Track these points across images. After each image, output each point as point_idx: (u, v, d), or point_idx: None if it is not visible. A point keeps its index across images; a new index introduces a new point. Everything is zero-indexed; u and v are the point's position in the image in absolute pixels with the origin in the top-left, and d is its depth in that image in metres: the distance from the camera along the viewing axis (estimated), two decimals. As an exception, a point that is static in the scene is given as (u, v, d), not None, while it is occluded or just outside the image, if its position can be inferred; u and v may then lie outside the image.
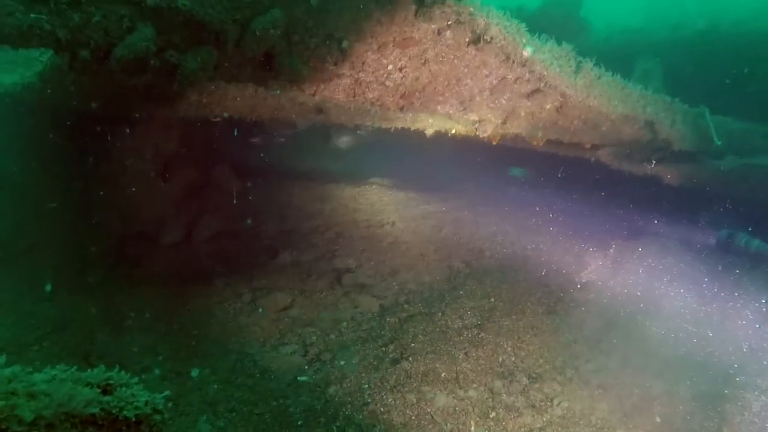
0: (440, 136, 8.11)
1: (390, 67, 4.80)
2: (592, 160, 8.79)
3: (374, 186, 11.98)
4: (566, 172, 9.76)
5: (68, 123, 7.25)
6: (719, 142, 7.46)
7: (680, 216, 9.19)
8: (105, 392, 2.07)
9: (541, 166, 10.37)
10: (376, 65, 4.76)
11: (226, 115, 5.67)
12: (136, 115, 7.00)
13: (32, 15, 3.42)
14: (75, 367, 2.07)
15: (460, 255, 9.07)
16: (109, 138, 7.48)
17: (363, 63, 4.71)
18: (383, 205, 11.12)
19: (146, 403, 2.08)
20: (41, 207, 8.58)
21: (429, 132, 7.70)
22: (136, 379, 2.16)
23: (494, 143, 8.70)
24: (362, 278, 8.22)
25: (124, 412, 2.02)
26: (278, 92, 5.37)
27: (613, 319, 6.84)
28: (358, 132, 11.09)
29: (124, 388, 2.11)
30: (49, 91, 5.42)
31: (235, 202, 10.01)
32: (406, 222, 10.27)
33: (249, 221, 9.80)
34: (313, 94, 4.88)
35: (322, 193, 11.28)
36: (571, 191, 10.58)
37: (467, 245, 9.46)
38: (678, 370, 5.80)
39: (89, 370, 2.12)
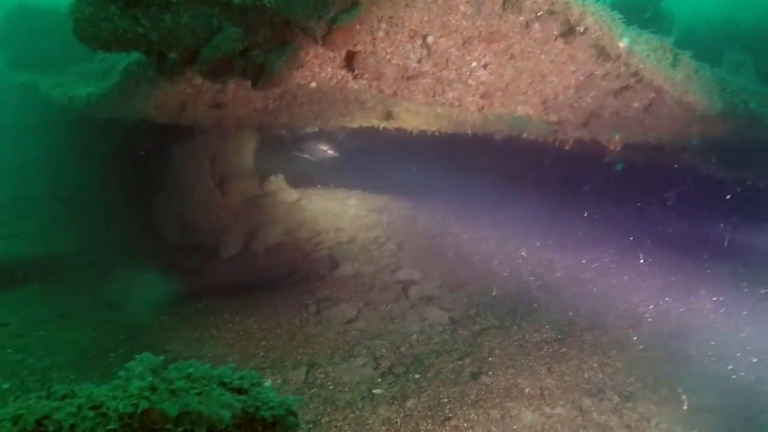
0: (510, 140, 8.08)
1: (474, 63, 4.80)
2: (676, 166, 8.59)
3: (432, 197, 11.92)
4: (647, 179, 9.52)
5: (132, 134, 7.50)
6: None
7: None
8: (239, 392, 2.12)
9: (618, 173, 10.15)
10: (459, 62, 4.76)
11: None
12: (202, 125, 7.20)
13: (127, 19, 3.55)
14: (207, 365, 2.13)
15: (528, 267, 8.96)
16: (172, 149, 7.72)
17: (446, 60, 4.73)
18: (443, 216, 11.05)
19: (281, 404, 2.12)
20: (106, 219, 8.90)
21: (499, 137, 7.68)
22: (267, 381, 2.20)
23: (566, 147, 8.64)
24: (428, 290, 8.20)
25: (261, 413, 2.05)
26: (352, 97, 5.45)
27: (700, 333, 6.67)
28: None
29: (258, 388, 2.15)
30: (120, 102, 5.63)
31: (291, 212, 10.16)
32: (469, 233, 10.20)
33: (306, 232, 9.90)
34: (394, 94, 4.92)
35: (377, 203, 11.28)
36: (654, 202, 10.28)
37: (535, 257, 9.34)
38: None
39: (219, 368, 2.16)
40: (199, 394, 1.99)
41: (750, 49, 8.78)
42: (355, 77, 4.67)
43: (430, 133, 6.84)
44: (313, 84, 4.74)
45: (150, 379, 1.99)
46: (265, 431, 2.08)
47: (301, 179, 10.93)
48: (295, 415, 2.15)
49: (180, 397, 1.93)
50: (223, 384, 2.09)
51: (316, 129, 9.83)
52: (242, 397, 2.08)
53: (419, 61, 4.64)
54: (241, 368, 2.21)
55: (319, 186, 11.20)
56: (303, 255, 9.33)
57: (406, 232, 10.11)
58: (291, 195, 10.41)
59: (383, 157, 11.09)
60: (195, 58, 3.88)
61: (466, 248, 9.57)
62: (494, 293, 7.99)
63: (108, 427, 1.80)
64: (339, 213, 10.55)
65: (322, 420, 5.15)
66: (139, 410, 1.84)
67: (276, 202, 9.95)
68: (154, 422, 1.84)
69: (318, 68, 4.59)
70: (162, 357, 2.16)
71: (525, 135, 7.65)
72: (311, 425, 5.11)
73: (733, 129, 6.78)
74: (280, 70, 4.05)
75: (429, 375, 5.92)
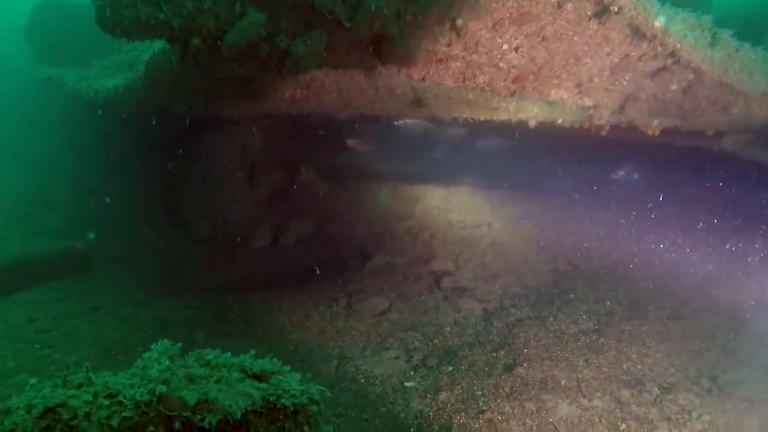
0: (544, 127, 7.91)
1: (505, 46, 4.68)
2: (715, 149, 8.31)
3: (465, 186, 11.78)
4: (685, 165, 9.24)
5: (160, 126, 7.52)
6: None
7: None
8: (260, 379, 2.07)
9: (655, 159, 9.87)
10: (490, 45, 4.65)
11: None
12: (230, 115, 7.19)
13: (149, 5, 3.52)
14: (228, 354, 2.08)
15: (565, 257, 8.78)
16: (200, 140, 7.72)
17: (476, 43, 4.62)
18: (476, 206, 10.91)
19: (302, 392, 2.06)
20: (133, 213, 8.97)
21: (532, 123, 7.52)
22: (288, 368, 2.14)
23: (603, 134, 8.43)
24: (462, 281, 8.10)
25: (282, 401, 2.00)
26: (380, 84, 5.37)
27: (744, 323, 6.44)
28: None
29: (279, 376, 2.10)
30: (147, 92, 5.62)
31: (321, 204, 10.13)
32: (504, 223, 10.05)
33: (339, 224, 9.88)
34: (423, 79, 4.82)
35: (411, 193, 11.19)
36: (686, 187, 10.02)
37: (572, 246, 9.15)
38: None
39: (241, 356, 2.12)
40: (218, 381, 1.94)
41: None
42: (383, 63, 4.59)
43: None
44: (341, 69, 4.67)
45: (167, 364, 1.94)
46: (287, 420, 2.02)
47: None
48: (317, 404, 2.09)
49: (199, 385, 1.88)
50: (243, 372, 2.04)
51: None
52: (263, 385, 2.03)
53: (448, 45, 4.54)
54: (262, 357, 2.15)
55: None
56: (334, 246, 9.32)
57: (437, 222, 10.02)
58: (322, 187, 10.38)
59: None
60: (219, 44, 3.84)
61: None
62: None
63: (123, 415, 1.76)
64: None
65: (352, 413, 5.10)
66: (156, 397, 1.80)
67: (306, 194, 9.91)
68: (171, 410, 1.80)
69: (345, 53, 4.52)
70: (179, 344, 2.12)
71: (559, 121, 7.49)
72: (342, 419, 5.06)
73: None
74: (306, 55, 3.99)
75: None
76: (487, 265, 8.52)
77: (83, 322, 6.59)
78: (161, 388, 1.81)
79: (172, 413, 1.77)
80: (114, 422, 1.74)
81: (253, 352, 2.17)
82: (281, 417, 2.02)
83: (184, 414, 1.79)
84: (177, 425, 1.77)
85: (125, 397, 1.81)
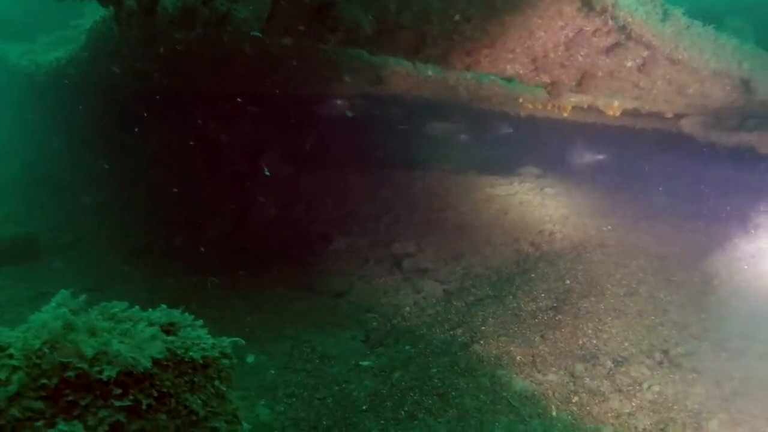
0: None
1: (457, 17, 4.60)
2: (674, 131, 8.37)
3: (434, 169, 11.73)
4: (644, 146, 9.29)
5: (108, 101, 7.25)
6: None
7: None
8: (168, 333, 1.99)
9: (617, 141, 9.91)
10: (441, 15, 4.57)
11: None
12: (184, 91, 7.03)
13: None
14: (137, 307, 2.00)
15: (528, 238, 8.78)
16: (152, 118, 7.46)
17: (427, 14, 4.54)
18: (439, 190, 10.85)
19: (213, 346, 1.99)
20: (84, 197, 8.75)
21: (494, 101, 7.50)
22: (201, 322, 2.07)
23: (565, 115, 8.45)
24: (423, 263, 8.07)
25: (191, 354, 1.92)
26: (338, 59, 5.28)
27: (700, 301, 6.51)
28: None
29: (188, 329, 2.02)
30: (90, 64, 5.42)
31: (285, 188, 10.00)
32: (470, 205, 10.03)
33: (302, 208, 9.77)
34: (372, 51, 4.75)
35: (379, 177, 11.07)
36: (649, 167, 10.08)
37: (536, 227, 9.16)
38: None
39: (149, 310, 2.04)
40: (122, 334, 1.86)
41: (752, 19, 8.50)
42: (331, 31, 4.48)
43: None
44: (287, 40, 4.56)
45: (64, 312, 1.85)
46: (196, 374, 1.95)
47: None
48: (230, 357, 2.03)
49: (100, 337, 1.80)
50: (151, 325, 1.96)
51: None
52: (170, 338, 1.95)
53: (398, 14, 4.45)
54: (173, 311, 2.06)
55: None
56: (297, 230, 9.22)
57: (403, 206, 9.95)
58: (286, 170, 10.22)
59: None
60: (155, 7, 3.71)
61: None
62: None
63: (11, 364, 1.67)
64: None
65: (305, 393, 5.04)
66: (49, 347, 1.71)
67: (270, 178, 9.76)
68: (67, 361, 1.72)
69: (290, 21, 4.40)
70: (84, 296, 2.03)
71: (521, 100, 7.49)
72: (294, 399, 5.00)
73: (729, 91, 6.58)
74: (248, 21, 3.89)
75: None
76: (450, 247, 8.49)
77: (29, 310, 6.40)
78: (55, 337, 1.73)
79: (68, 364, 1.69)
80: (2, 375, 1.66)
81: (164, 306, 2.09)
82: (190, 371, 1.95)
83: (80, 365, 1.71)
84: (70, 375, 1.68)
85: (16, 349, 1.72)
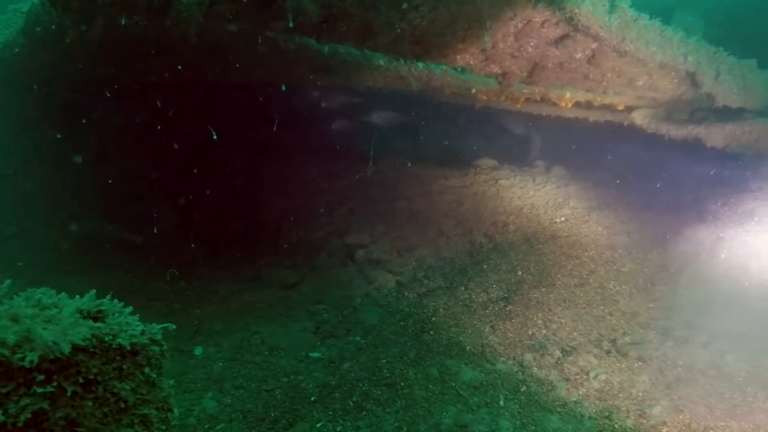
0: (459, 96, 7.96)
1: (405, 5, 4.63)
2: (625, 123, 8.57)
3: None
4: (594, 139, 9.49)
5: (49, 88, 7.07)
6: None
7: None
8: (96, 320, 1.97)
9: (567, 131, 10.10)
10: (389, 3, 4.59)
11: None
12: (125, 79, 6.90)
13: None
14: (63, 294, 1.98)
15: (482, 229, 8.89)
16: (95, 106, 7.32)
17: (374, 1, 4.55)
18: (395, 181, 10.90)
19: (142, 332, 1.98)
20: (26, 187, 8.54)
21: (447, 92, 7.56)
22: (130, 309, 2.06)
23: (518, 106, 8.57)
24: (377, 254, 8.10)
25: (119, 340, 1.92)
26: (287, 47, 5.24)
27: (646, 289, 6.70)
28: None
29: (117, 316, 2.01)
30: (26, 49, 5.28)
31: (234, 179, 9.92)
32: (423, 198, 10.09)
33: (251, 199, 9.70)
34: (317, 38, 4.74)
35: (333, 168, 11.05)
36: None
37: (490, 219, 9.28)
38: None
39: (77, 297, 2.02)
40: (47, 321, 1.85)
41: (703, 16, 8.75)
42: (276, 18, 4.46)
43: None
44: (233, 27, 4.53)
45: (-15, 302, 1.83)
46: (125, 361, 1.95)
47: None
48: (160, 344, 2.03)
49: (23, 323, 1.78)
50: (78, 312, 1.95)
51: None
52: (98, 324, 1.94)
53: (344, 0, 4.46)
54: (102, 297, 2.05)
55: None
56: (247, 222, 9.16)
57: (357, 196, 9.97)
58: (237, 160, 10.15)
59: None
60: (94, -9, 3.65)
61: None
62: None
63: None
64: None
65: (252, 385, 5.04)
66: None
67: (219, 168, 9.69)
68: (-15, 347, 1.69)
69: (235, 8, 4.37)
70: (8, 281, 2.00)
71: (473, 91, 7.55)
72: (241, 390, 4.99)
73: (677, 84, 6.78)
74: (190, 6, 3.85)
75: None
76: (404, 239, 8.54)
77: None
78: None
79: (-13, 350, 1.66)
80: None
81: (93, 293, 2.07)
82: (118, 357, 1.94)
83: (2, 352, 1.68)
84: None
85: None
